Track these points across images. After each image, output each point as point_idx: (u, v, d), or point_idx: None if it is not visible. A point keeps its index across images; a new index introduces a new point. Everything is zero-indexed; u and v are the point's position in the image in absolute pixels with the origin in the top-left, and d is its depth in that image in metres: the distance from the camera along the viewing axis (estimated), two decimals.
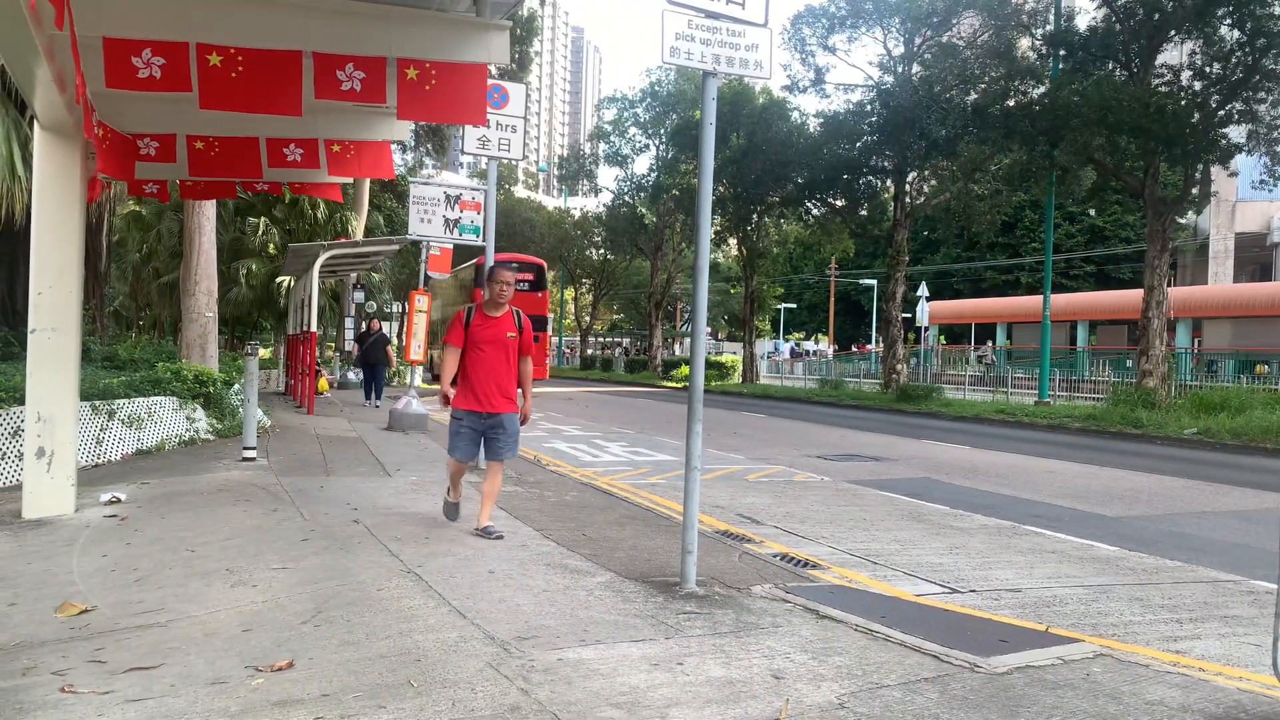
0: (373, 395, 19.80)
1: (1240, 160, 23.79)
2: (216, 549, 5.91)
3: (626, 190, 45.76)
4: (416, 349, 14.92)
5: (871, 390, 29.25)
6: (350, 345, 25.72)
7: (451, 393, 6.22)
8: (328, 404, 19.11)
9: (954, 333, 49.75)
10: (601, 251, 56.61)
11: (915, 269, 44.62)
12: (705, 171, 5.16)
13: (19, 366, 8.68)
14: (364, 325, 22.55)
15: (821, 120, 29.87)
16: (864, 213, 31.83)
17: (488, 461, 6.46)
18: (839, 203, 31.46)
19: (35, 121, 6.88)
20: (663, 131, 42.21)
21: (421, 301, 14.94)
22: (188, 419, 11.78)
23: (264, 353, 30.78)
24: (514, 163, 54.43)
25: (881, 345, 32.62)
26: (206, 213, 14.89)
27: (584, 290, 67.45)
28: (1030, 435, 17.52)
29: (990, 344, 35.68)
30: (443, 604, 4.66)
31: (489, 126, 9.34)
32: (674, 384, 37.55)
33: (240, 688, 3.51)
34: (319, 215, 25.38)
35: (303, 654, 3.89)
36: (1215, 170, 23.44)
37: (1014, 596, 5.55)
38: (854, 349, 55.62)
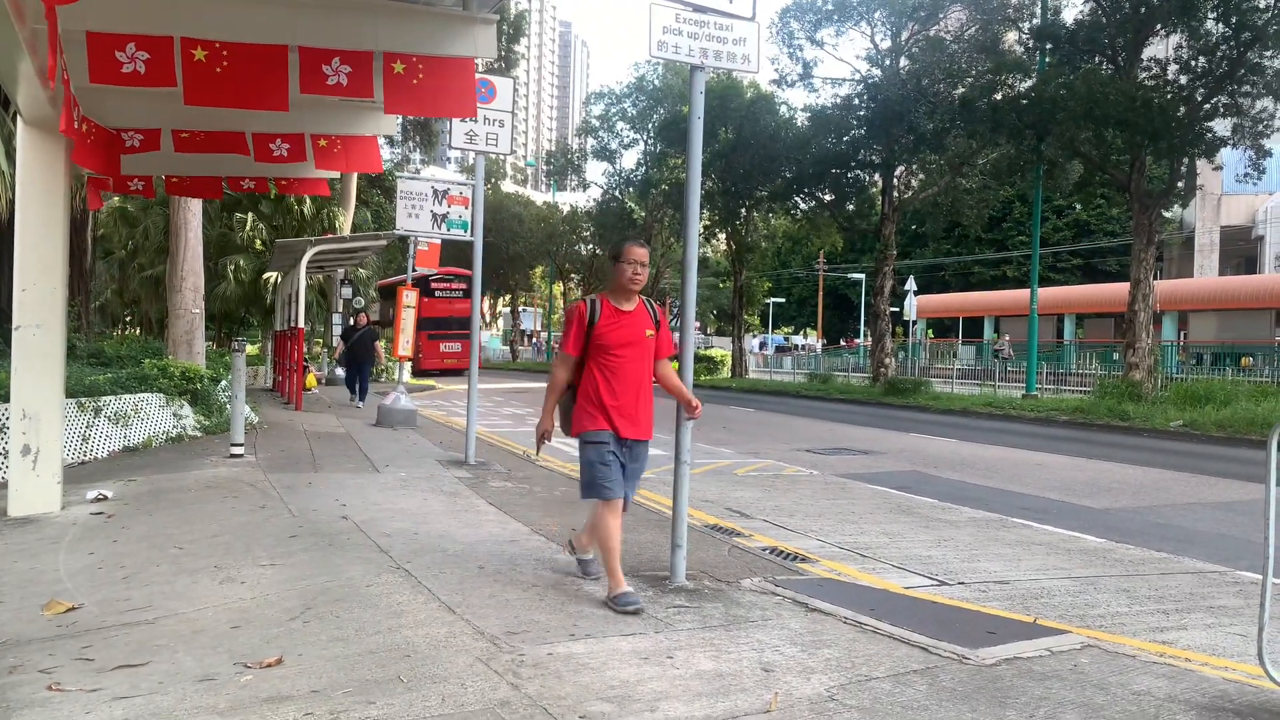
0: (358, 394, 18.32)
1: (1225, 154, 23.92)
2: (204, 546, 5.89)
3: (615, 185, 45.71)
4: (405, 345, 14.88)
5: (860, 384, 29.32)
6: (336, 341, 23.96)
7: (552, 425, 4.77)
8: (316, 400, 19.03)
9: (942, 326, 49.92)
10: (590, 246, 56.54)
11: (903, 263, 44.70)
12: (694, 166, 5.15)
13: (3, 364, 8.62)
14: (350, 319, 20.64)
15: (809, 114, 29.88)
16: (852, 207, 31.87)
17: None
18: (827, 197, 31.50)
19: (19, 116, 6.82)
20: (650, 126, 42.13)
21: (409, 297, 14.90)
22: (175, 416, 11.73)
23: (251, 349, 30.67)
24: (502, 158, 54.41)
25: (870, 339, 32.69)
26: (193, 208, 14.81)
27: (573, 285, 67.38)
28: (1018, 428, 17.60)
29: (1007, 337, 35.58)
30: (432, 599, 4.65)
31: (477, 120, 9.31)
32: None
33: (229, 684, 3.50)
34: (306, 211, 25.28)
35: (292, 650, 3.88)
36: (1201, 164, 23.59)
37: (1002, 588, 5.58)
38: (842, 343, 55.78)
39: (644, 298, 4.79)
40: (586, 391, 4.70)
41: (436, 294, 34.18)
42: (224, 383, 13.42)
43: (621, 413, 4.66)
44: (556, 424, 4.84)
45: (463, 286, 34.76)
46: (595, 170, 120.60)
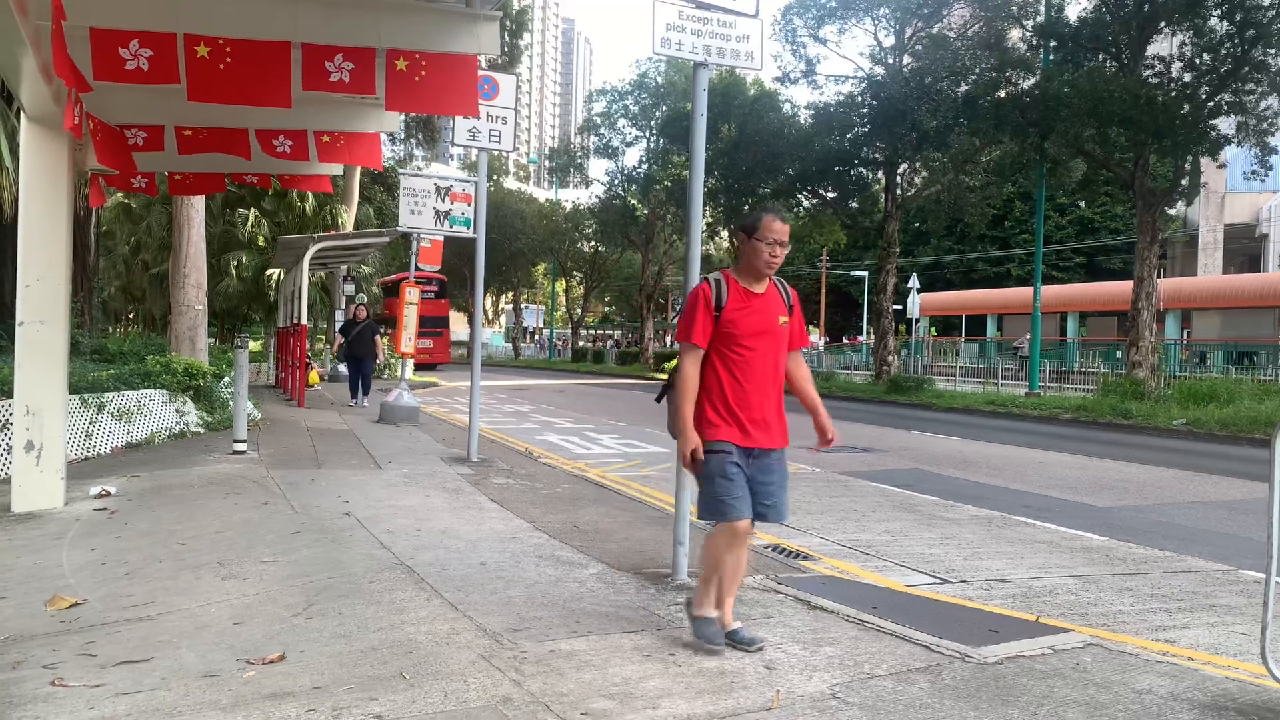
0: (359, 393, 17.37)
1: (1229, 152, 23.93)
2: (207, 542, 5.90)
3: (617, 182, 45.69)
4: (407, 341, 14.88)
5: (862, 382, 29.31)
6: (335, 337, 22.74)
7: (693, 439, 3.88)
8: (318, 397, 19.05)
9: (945, 324, 49.88)
10: (592, 244, 56.55)
11: (906, 260, 44.66)
12: (696, 163, 5.15)
13: (7, 360, 8.63)
14: (350, 314, 19.13)
15: (813, 112, 29.86)
16: (855, 204, 31.84)
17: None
18: (830, 194, 31.47)
19: (22, 113, 6.83)
20: (653, 124, 42.13)
21: (412, 294, 14.91)
22: (177, 412, 11.74)
23: (254, 345, 30.71)
24: (505, 155, 54.39)
25: (872, 337, 32.67)
26: (196, 205, 14.82)
27: (575, 283, 67.39)
28: (1021, 426, 17.58)
29: (1027, 336, 35.51)
30: (435, 596, 4.65)
31: (480, 118, 9.30)
32: (665, 376, 37.51)
33: (231, 680, 3.50)
34: (308, 208, 25.29)
35: (294, 646, 3.88)
36: (1205, 162, 23.50)
37: (1004, 586, 5.58)
38: (845, 340, 55.75)
39: (774, 278, 4.06)
40: (708, 390, 3.94)
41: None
42: (227, 379, 13.43)
43: (751, 416, 3.90)
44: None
45: (434, 289, 36.53)
46: (598, 168, 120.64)
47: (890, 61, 27.56)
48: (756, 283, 3.98)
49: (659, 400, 4.32)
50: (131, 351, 13.86)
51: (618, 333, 71.15)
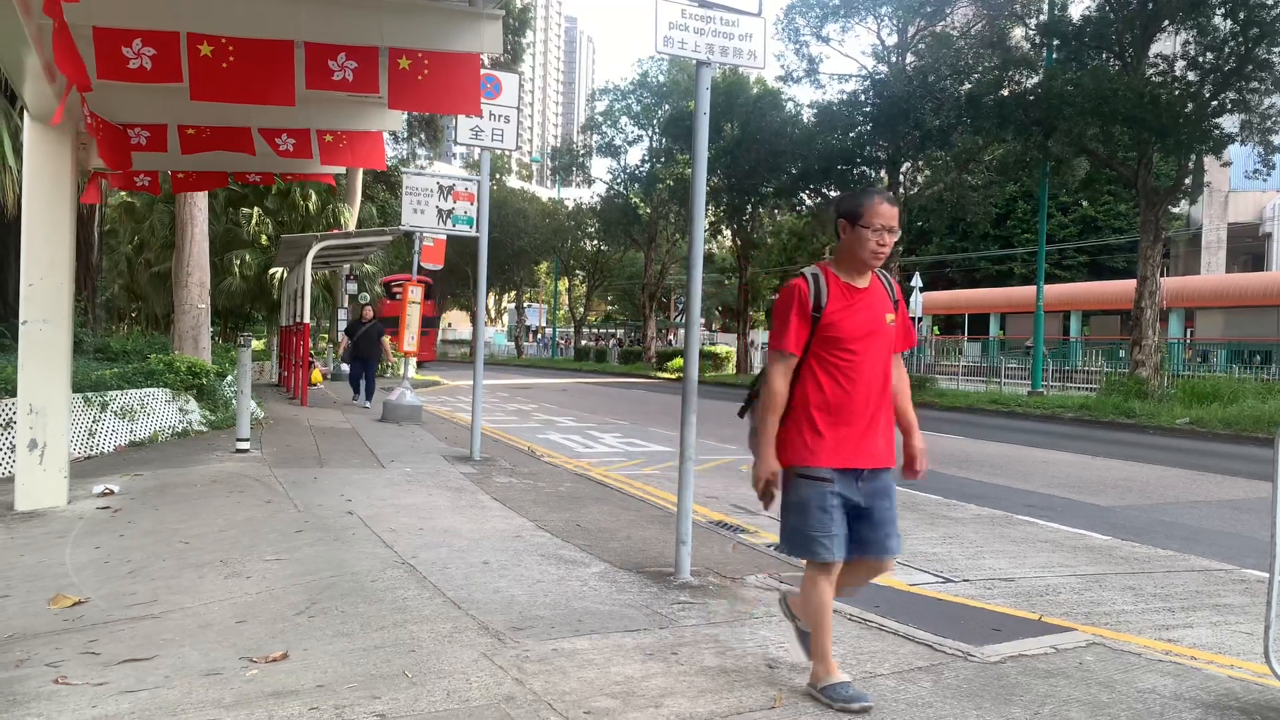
0: (363, 394, 17.25)
1: (1233, 150, 23.85)
2: (210, 540, 5.90)
3: (619, 181, 45.69)
4: (410, 340, 14.90)
5: None
6: (340, 337, 22.16)
7: (771, 464, 3.32)
8: (321, 396, 19.06)
9: (948, 323, 49.81)
10: (595, 243, 56.54)
11: (909, 259, 44.61)
12: (699, 162, 5.15)
13: (10, 359, 8.65)
14: (357, 314, 18.97)
15: (815, 110, 29.83)
16: None
17: (859, 558, 3.42)
18: (833, 193, 31.43)
19: (25, 111, 6.83)
20: (655, 122, 42.12)
21: (415, 293, 14.92)
22: (181, 411, 11.76)
23: (257, 344, 30.73)
24: (507, 153, 54.42)
25: None
26: (199, 203, 14.83)
27: (578, 282, 67.39)
28: (1024, 425, 17.56)
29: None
30: (437, 595, 4.66)
31: (482, 116, 9.30)
32: (668, 375, 37.54)
33: (235, 679, 3.51)
34: (311, 206, 25.29)
35: (297, 645, 3.88)
36: (1208, 160, 23.48)
37: (1007, 585, 5.57)
38: None
39: (877, 269, 3.47)
40: (804, 404, 3.33)
41: (395, 296, 35.50)
42: (230, 378, 13.44)
43: (855, 434, 3.32)
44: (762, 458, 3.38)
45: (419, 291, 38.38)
46: (600, 166, 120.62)
47: (893, 60, 27.54)
48: (859, 276, 3.41)
49: (742, 415, 3.61)
50: (135, 350, 13.88)
51: (620, 332, 71.17)
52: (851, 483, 3.31)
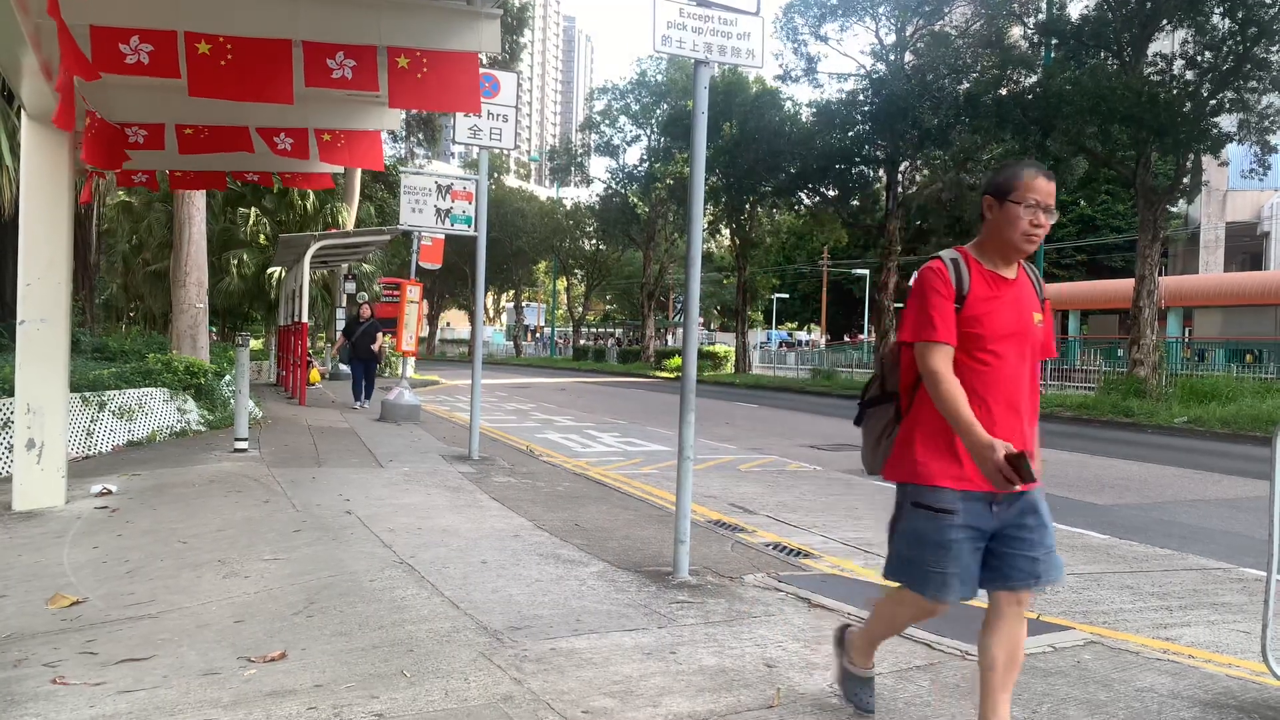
0: (363, 395, 16.76)
1: (1231, 149, 23.84)
2: (208, 540, 5.90)
3: (618, 181, 45.72)
4: (409, 340, 14.90)
5: (864, 380, 29.16)
6: (338, 336, 21.56)
7: (985, 437, 2.61)
8: (319, 395, 19.06)
9: None
10: (594, 242, 56.56)
11: (908, 259, 44.63)
12: (698, 161, 5.15)
13: (8, 358, 8.64)
14: (355, 312, 18.26)
15: (814, 110, 29.83)
16: (856, 203, 31.81)
17: (1004, 590, 2.95)
18: (831, 192, 31.45)
19: (23, 111, 6.82)
20: (653, 122, 42.14)
21: (413, 292, 14.92)
22: (179, 410, 11.75)
23: (255, 344, 30.73)
24: (506, 152, 54.41)
25: (874, 335, 32.65)
26: (197, 203, 14.83)
27: (576, 281, 67.41)
28: None
29: None
30: (435, 594, 4.66)
31: (481, 115, 9.30)
32: (667, 374, 37.55)
33: (233, 679, 3.51)
34: (309, 206, 25.31)
35: (295, 645, 3.88)
36: (1206, 159, 23.47)
37: None
38: (846, 339, 55.71)
39: (1022, 262, 2.93)
40: (928, 415, 2.83)
41: (383, 299, 35.73)
42: (228, 377, 13.43)
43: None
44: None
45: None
46: (598, 166, 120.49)
47: (892, 59, 27.52)
48: (1006, 265, 2.87)
49: (858, 423, 3.18)
50: (133, 350, 13.87)
51: (619, 331, 71.22)
52: (985, 508, 2.80)
